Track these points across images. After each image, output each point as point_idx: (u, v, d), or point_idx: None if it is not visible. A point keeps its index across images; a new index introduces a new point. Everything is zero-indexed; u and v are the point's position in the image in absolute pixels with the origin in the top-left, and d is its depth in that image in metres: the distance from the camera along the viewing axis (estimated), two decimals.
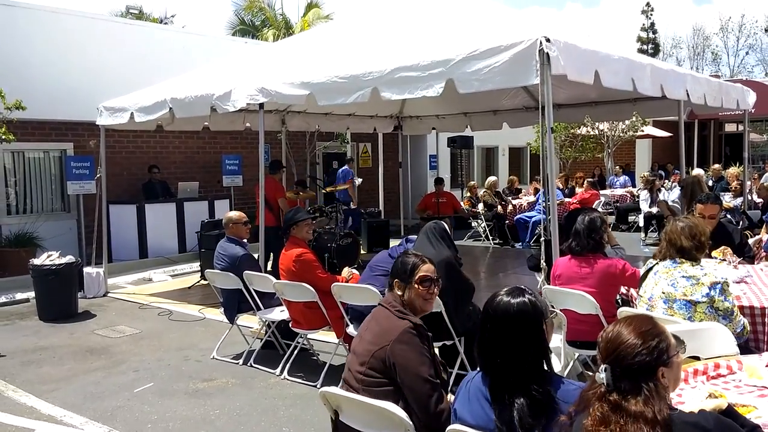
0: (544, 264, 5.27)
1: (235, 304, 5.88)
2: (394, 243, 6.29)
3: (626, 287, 4.63)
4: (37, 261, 7.72)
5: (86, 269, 8.62)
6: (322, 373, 5.10)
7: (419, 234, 4.91)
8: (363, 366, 2.79)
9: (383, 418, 2.61)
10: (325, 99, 6.05)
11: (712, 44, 43.29)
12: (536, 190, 13.76)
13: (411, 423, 2.54)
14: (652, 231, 12.42)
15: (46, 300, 7.59)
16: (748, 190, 9.93)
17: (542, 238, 5.75)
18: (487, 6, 7.24)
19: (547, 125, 4.83)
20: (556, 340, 4.10)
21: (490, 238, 12.84)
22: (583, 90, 7.89)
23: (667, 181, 15.39)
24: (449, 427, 2.31)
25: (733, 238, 5.18)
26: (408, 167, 15.62)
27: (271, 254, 8.22)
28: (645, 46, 43.34)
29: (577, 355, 4.61)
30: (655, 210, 12.34)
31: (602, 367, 1.88)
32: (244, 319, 6.16)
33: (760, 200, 10.07)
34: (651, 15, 44.73)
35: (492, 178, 14.24)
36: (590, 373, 4.64)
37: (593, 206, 12.08)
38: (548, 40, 4.55)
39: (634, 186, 16.99)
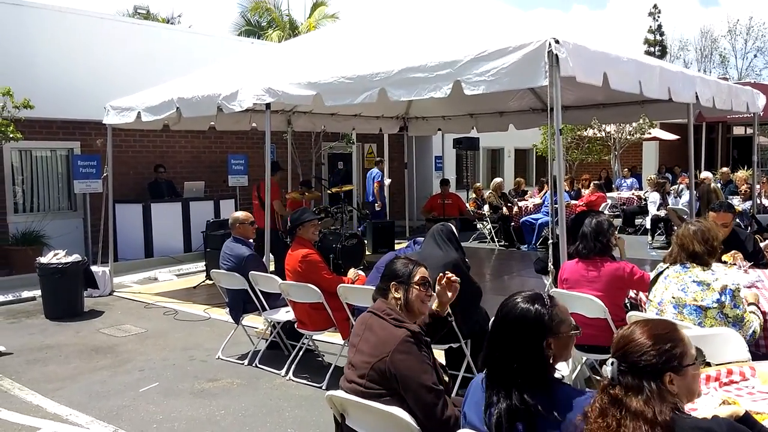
0: (552, 267, 5.24)
1: (240, 304, 5.87)
2: (399, 244, 6.26)
3: (635, 291, 4.61)
4: (43, 259, 7.73)
5: (92, 268, 8.63)
6: (327, 374, 5.08)
7: (426, 236, 4.88)
8: (363, 378, 2.73)
9: (390, 422, 2.59)
10: (332, 99, 6.03)
11: (720, 47, 43.15)
12: (543, 190, 13.73)
13: (418, 428, 2.52)
14: (659, 234, 12.36)
15: (52, 298, 7.60)
16: (757, 194, 9.87)
17: (549, 241, 5.72)
18: (494, 7, 7.22)
19: (556, 127, 4.80)
20: None
21: (496, 239, 12.80)
22: (590, 92, 7.86)
23: (674, 186, 15.31)
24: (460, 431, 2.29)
25: (745, 246, 5.13)
26: (413, 168, 15.61)
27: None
28: (652, 49, 43.17)
29: (584, 359, 4.58)
30: (662, 213, 12.29)
31: (609, 360, 1.92)
32: (250, 320, 6.16)
33: None
34: (658, 17, 44.54)
35: (497, 180, 14.20)
36: (598, 378, 4.62)
37: (599, 209, 12.06)
38: (557, 42, 4.52)
39: (640, 189, 16.93)
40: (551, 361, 2.19)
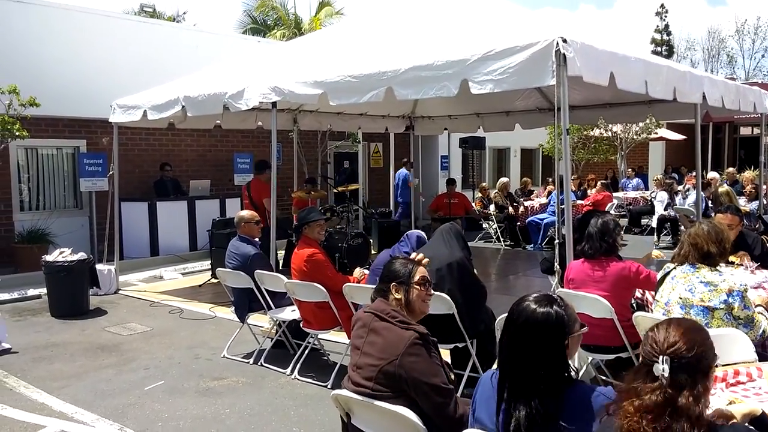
0: (558, 267, 5.23)
1: (246, 303, 5.87)
2: None
3: (641, 291, 4.59)
4: (49, 257, 7.75)
5: (98, 266, 8.65)
6: (332, 373, 5.08)
7: (434, 235, 4.88)
8: (370, 381, 2.70)
9: (395, 421, 2.58)
10: (339, 98, 6.01)
11: (728, 46, 42.96)
12: (549, 192, 13.71)
13: (424, 427, 2.51)
14: (665, 234, 12.31)
15: (57, 296, 7.62)
16: (764, 194, 9.81)
17: (556, 241, 5.70)
18: (501, 6, 7.21)
19: (563, 127, 4.78)
20: None
21: (502, 239, 12.78)
22: (597, 92, 7.82)
23: (680, 186, 15.23)
24: (468, 431, 2.28)
25: (753, 249, 5.10)
26: (419, 168, 15.59)
27: None
28: (659, 48, 43.02)
29: (590, 359, 4.56)
30: (669, 213, 12.23)
31: (662, 358, 1.84)
32: (255, 318, 6.16)
33: None
34: (665, 17, 44.42)
35: (503, 180, 14.17)
36: (603, 377, 4.60)
37: (606, 209, 12.03)
38: (565, 41, 4.50)
39: (647, 189, 16.86)
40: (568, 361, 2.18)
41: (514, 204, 13.16)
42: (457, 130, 12.49)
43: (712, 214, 5.81)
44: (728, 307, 3.43)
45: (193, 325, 7.10)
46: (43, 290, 8.06)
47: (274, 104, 6.67)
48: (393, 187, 15.19)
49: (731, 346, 3.11)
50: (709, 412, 1.97)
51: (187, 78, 8.15)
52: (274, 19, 24.04)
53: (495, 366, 2.31)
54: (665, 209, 12.54)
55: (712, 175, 12.90)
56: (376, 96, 5.65)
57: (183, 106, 7.36)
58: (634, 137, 18.24)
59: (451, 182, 12.75)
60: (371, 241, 10.71)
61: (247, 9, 24.68)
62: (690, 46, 44.60)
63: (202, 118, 8.17)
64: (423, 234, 5.12)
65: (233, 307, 6.15)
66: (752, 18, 57.44)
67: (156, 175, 11.96)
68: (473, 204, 13.41)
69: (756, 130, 24.23)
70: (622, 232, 4.62)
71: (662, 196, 12.86)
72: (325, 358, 5.71)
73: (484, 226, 13.39)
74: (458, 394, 3.49)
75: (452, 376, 2.86)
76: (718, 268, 3.63)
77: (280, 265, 8.32)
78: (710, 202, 8.99)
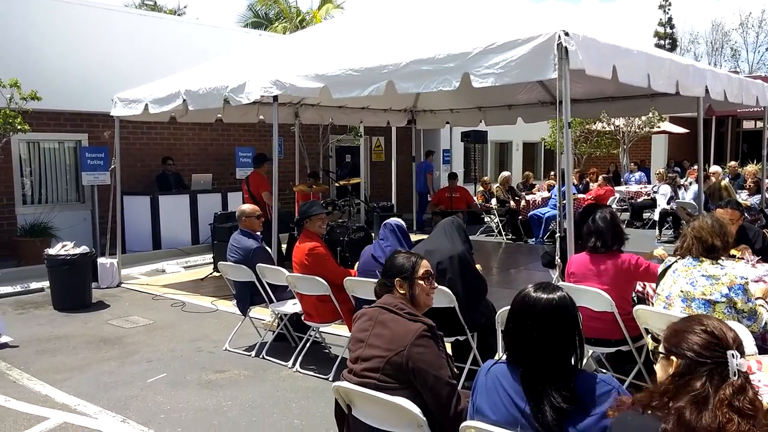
0: (559, 261, 5.22)
1: (247, 296, 5.89)
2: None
3: (642, 284, 4.58)
4: (51, 251, 7.77)
5: (100, 260, 8.68)
6: (334, 366, 5.09)
7: (436, 228, 4.88)
8: (377, 372, 2.71)
9: (397, 413, 2.59)
10: (340, 92, 6.01)
11: (731, 40, 42.74)
12: (550, 186, 13.69)
13: (425, 419, 2.52)
14: (666, 228, 12.29)
15: (60, 290, 7.64)
16: (766, 188, 9.79)
17: (557, 234, 5.70)
18: None
19: (564, 120, 4.77)
20: None
21: (503, 233, 12.78)
22: (599, 85, 7.81)
23: (683, 179, 15.21)
24: (467, 423, 2.29)
25: (754, 243, 5.09)
26: (421, 161, 15.57)
27: None
28: (662, 42, 42.84)
29: (591, 352, 4.57)
30: (671, 207, 12.21)
31: (730, 353, 1.77)
32: (257, 312, 6.17)
33: None
34: (669, 10, 44.17)
35: (505, 174, 14.16)
36: (603, 371, 4.61)
37: (608, 203, 12.01)
38: (567, 34, 4.49)
39: (649, 182, 16.82)
40: None
41: (516, 198, 13.16)
42: (459, 124, 12.49)
43: (712, 208, 5.79)
44: (730, 301, 3.43)
45: (195, 318, 7.12)
46: (46, 283, 8.09)
47: (275, 98, 6.68)
48: (415, 177, 15.13)
49: None
50: None
51: (188, 71, 8.15)
52: (275, 13, 24.01)
53: (497, 357, 2.32)
54: (668, 203, 12.51)
55: (714, 168, 12.86)
56: (377, 90, 5.65)
57: (184, 100, 7.36)
58: (637, 131, 18.19)
59: (453, 176, 12.74)
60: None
61: (249, 2, 24.69)
62: (693, 39, 44.50)
63: (204, 111, 8.17)
64: (401, 222, 5.09)
65: (235, 301, 6.17)
66: (757, 11, 57.22)
67: (158, 169, 11.97)
68: (475, 198, 13.41)
69: (759, 124, 24.11)
70: (623, 225, 4.62)
71: (665, 190, 12.83)
72: (327, 351, 5.73)
73: (485, 219, 13.38)
74: (459, 387, 3.52)
75: (455, 370, 2.87)
76: (719, 261, 3.63)
77: (284, 255, 8.34)
78: (709, 196, 8.96)
